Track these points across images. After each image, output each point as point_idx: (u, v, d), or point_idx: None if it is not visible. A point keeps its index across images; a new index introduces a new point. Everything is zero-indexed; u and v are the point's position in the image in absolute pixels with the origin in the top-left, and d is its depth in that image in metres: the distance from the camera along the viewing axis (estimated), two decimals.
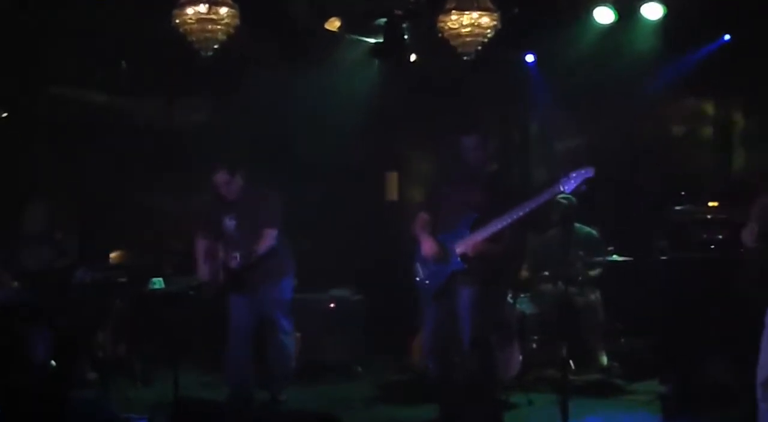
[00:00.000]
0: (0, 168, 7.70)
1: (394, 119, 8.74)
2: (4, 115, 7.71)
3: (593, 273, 7.28)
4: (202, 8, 5.31)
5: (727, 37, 7.53)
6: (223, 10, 5.38)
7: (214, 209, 6.36)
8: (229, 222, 6.28)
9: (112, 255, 7.52)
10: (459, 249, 5.52)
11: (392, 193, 9.03)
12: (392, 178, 9.02)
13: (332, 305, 7.62)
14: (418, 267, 5.75)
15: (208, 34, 5.37)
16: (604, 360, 7.18)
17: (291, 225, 6.36)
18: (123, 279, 6.98)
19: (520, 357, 6.61)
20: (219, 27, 5.36)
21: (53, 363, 6.54)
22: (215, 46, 5.41)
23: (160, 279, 7.09)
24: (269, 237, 6.18)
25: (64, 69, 7.63)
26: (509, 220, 5.32)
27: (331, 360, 7.47)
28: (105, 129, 8.22)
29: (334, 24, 7.50)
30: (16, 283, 6.68)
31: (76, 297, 6.73)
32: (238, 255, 6.03)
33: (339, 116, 8.28)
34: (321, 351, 7.43)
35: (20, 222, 6.98)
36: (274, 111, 8.39)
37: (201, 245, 6.41)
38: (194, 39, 5.43)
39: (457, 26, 5.67)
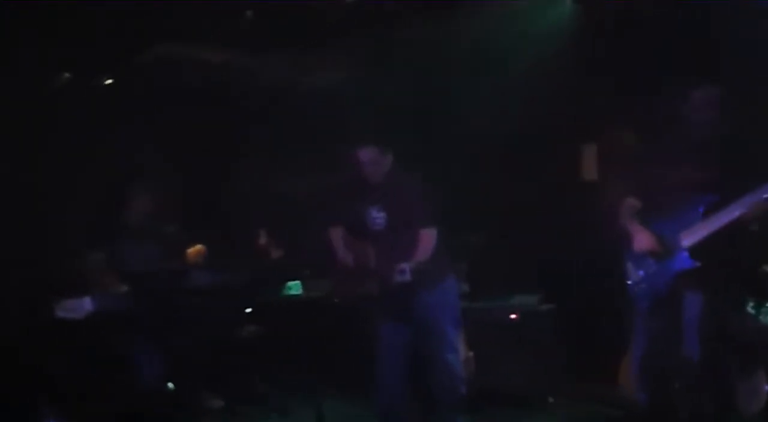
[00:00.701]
0: (97, 145, 8.05)
1: (592, 73, 8.50)
2: (108, 82, 8.01)
3: None
4: None
5: None
6: None
7: (354, 195, 6.37)
8: (377, 215, 6.29)
9: (234, 252, 7.71)
10: (687, 241, 5.38)
11: (589, 171, 8.87)
12: (589, 152, 8.85)
13: (513, 316, 7.63)
14: (630, 266, 5.67)
15: None
16: None
17: (456, 215, 6.40)
18: (250, 284, 7.17)
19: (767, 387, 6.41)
20: None
21: (170, 385, 6.78)
22: None
23: (298, 282, 7.32)
24: (430, 239, 6.17)
25: (173, 23, 7.84)
26: (755, 202, 5.18)
27: (511, 387, 7.48)
28: (221, 95, 8.41)
29: None
30: (125, 287, 6.89)
31: (193, 305, 6.91)
32: (407, 267, 5.86)
33: (515, 71, 8.24)
34: (499, 375, 7.46)
35: (122, 212, 7.21)
36: (428, 68, 8.42)
37: (339, 241, 6.43)
38: None
39: None
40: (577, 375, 7.72)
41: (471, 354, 7.06)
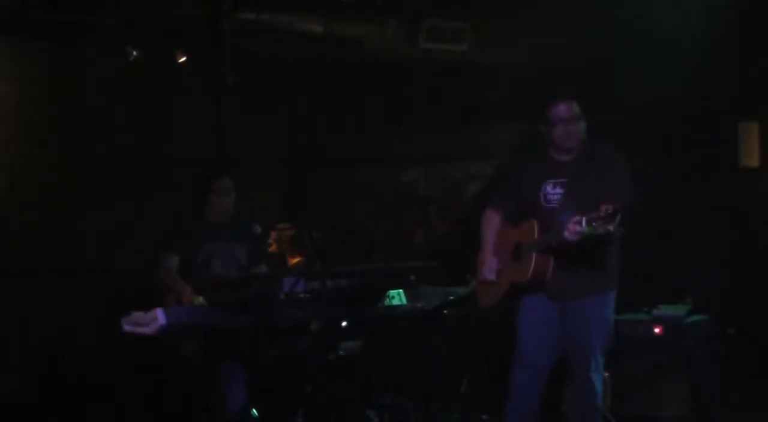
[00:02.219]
0: (161, 135, 7.97)
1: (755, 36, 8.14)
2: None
3: None
4: None
5: None
6: None
7: (527, 169, 6.10)
8: (553, 192, 5.95)
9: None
10: None
11: (751, 156, 8.37)
12: (751, 132, 8.32)
13: (658, 331, 7.23)
14: None
15: None
16: None
17: None
18: (347, 291, 6.51)
19: None
20: None
21: (254, 412, 6.43)
22: None
23: (400, 291, 6.65)
24: (616, 212, 5.64)
25: None
26: None
27: (660, 416, 7.12)
28: (320, 69, 8.28)
29: None
30: (201, 299, 6.52)
31: (281, 317, 6.25)
32: (583, 219, 5.43)
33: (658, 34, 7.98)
34: (642, 401, 7.14)
35: (201, 209, 6.88)
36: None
37: (492, 224, 6.18)
38: None
39: None
40: (737, 400, 7.42)
41: (606, 374, 6.50)
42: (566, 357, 6.04)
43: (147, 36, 7.62)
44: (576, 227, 5.46)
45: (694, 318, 7.27)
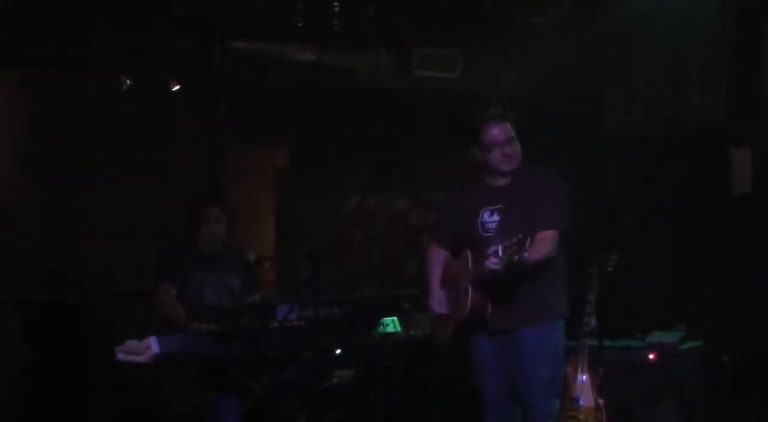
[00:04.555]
0: (153, 162, 8.07)
1: None
2: (176, 87, 7.84)
3: None
4: None
5: None
6: None
7: (462, 198, 5.88)
8: (490, 220, 5.72)
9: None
10: None
11: (743, 182, 8.33)
12: (743, 158, 8.28)
13: (652, 357, 7.15)
14: None
15: None
16: None
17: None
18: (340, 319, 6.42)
19: None
20: None
21: None
22: None
23: (395, 318, 6.75)
24: (548, 242, 5.53)
25: (253, 16, 7.77)
26: None
27: None
28: (311, 98, 8.28)
29: None
30: (195, 325, 6.42)
31: (274, 345, 6.25)
32: (499, 248, 5.29)
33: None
34: None
35: (193, 239, 6.80)
36: None
37: (437, 259, 5.95)
38: None
39: None
40: None
41: (602, 401, 6.61)
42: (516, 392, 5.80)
43: (140, 65, 7.68)
44: (493, 258, 5.34)
45: (688, 345, 7.23)
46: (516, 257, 5.22)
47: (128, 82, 7.70)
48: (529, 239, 5.20)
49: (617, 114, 8.10)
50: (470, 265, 5.63)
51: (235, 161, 8.36)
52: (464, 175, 5.92)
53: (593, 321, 6.81)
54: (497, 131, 5.62)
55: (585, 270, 6.85)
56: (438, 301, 5.85)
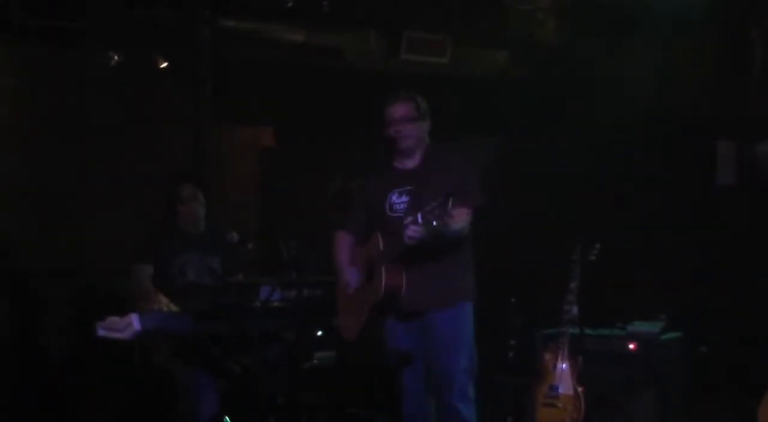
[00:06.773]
0: (139, 140, 8.11)
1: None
2: (164, 65, 7.86)
3: None
4: None
5: None
6: None
7: (372, 183, 5.95)
8: (398, 201, 5.80)
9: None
10: None
11: (726, 174, 8.34)
12: (727, 150, 8.31)
13: (632, 347, 7.17)
14: None
15: None
16: None
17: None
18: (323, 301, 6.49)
19: None
20: None
21: (227, 420, 6.29)
22: None
23: None
24: (465, 214, 5.60)
25: None
26: None
27: None
28: (299, 82, 8.26)
29: None
30: (172, 305, 6.48)
31: (257, 325, 6.28)
32: (418, 215, 5.34)
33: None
34: (614, 416, 7.10)
35: (173, 218, 6.84)
36: None
37: (344, 244, 6.03)
38: None
39: None
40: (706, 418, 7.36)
41: (581, 389, 6.72)
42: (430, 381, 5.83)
43: (127, 42, 7.64)
44: (413, 226, 5.37)
45: (668, 335, 7.25)
46: (436, 222, 5.26)
47: (116, 58, 7.67)
48: (450, 200, 5.18)
49: (602, 104, 8.09)
50: (381, 247, 5.68)
51: (222, 140, 8.37)
52: (377, 162, 6.00)
53: (574, 310, 6.91)
54: (393, 109, 5.75)
55: (567, 258, 6.94)
56: (350, 279, 5.87)
